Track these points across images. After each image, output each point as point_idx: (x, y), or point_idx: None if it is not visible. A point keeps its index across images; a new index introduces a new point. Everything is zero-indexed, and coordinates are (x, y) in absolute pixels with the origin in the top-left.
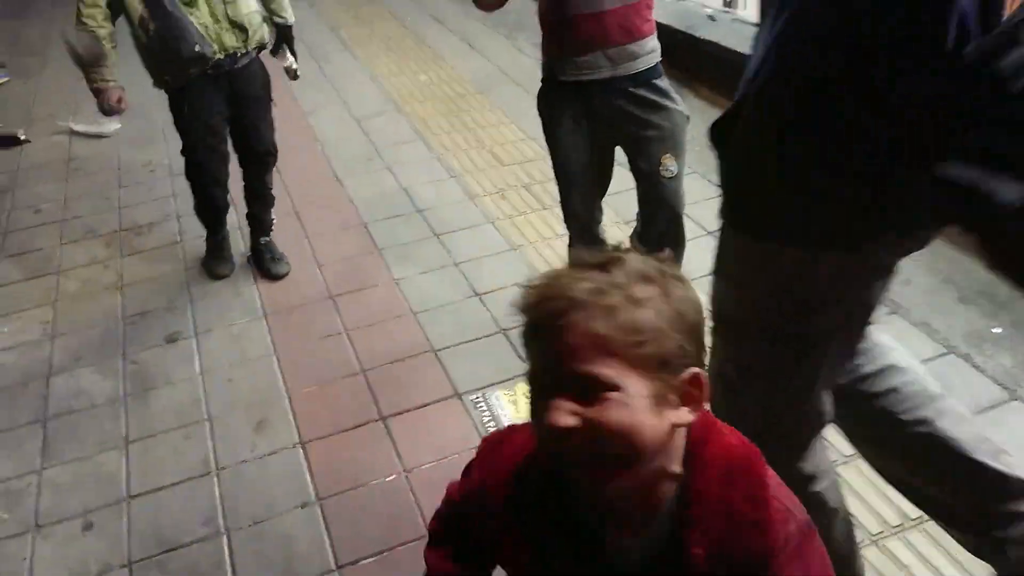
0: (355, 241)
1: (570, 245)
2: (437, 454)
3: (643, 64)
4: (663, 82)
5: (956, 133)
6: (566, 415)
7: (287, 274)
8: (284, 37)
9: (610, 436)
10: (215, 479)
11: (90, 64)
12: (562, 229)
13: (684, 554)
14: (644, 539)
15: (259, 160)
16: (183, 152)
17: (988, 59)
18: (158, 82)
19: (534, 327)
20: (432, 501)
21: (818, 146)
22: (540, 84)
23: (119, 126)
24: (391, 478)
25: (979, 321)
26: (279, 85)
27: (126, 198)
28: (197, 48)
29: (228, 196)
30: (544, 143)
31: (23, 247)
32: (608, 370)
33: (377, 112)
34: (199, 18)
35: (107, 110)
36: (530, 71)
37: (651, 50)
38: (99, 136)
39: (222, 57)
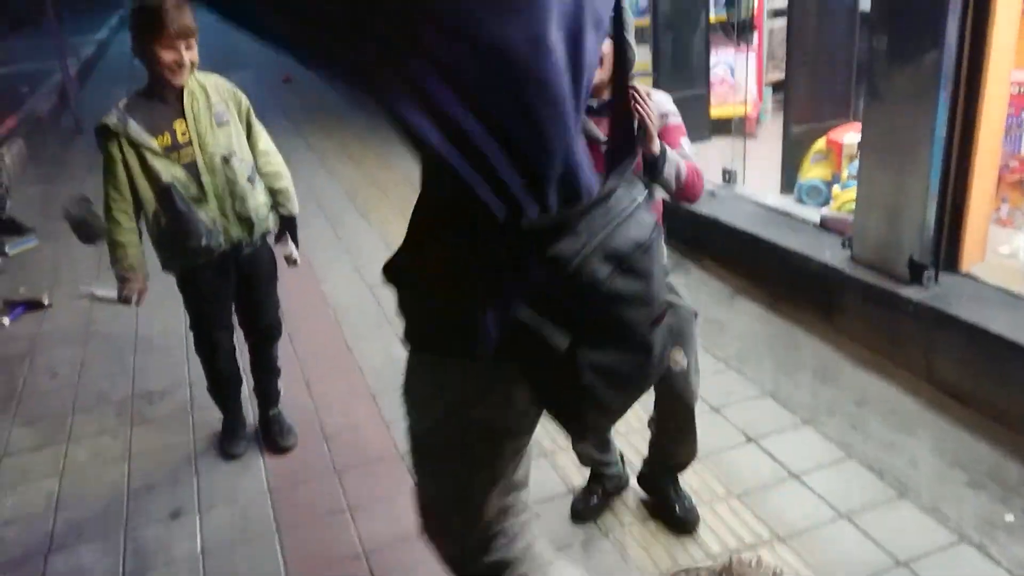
0: (363, 411)
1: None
2: None
3: None
4: (668, 278)
5: (520, 285)
6: None
7: (294, 446)
8: (287, 227)
9: None
10: None
11: (90, 237)
12: None
13: None
14: None
15: (264, 336)
16: (191, 327)
17: (543, 237)
18: (167, 268)
19: None
20: None
21: (436, 278)
22: None
23: None
24: None
25: (990, 507)
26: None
27: (141, 364)
28: (204, 242)
29: (239, 369)
30: None
31: (36, 414)
32: None
33: None
34: (208, 212)
35: (127, 298)
36: None
37: None
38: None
39: (227, 248)
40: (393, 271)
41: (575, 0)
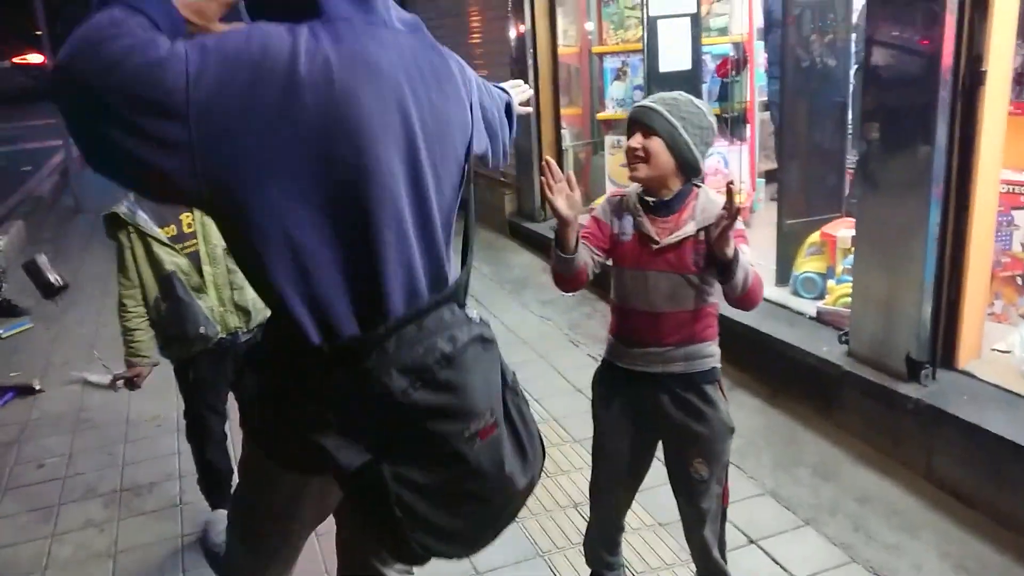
0: None
1: (588, 529)
2: None
3: (695, 368)
4: (713, 389)
5: (328, 404)
6: None
7: None
8: None
9: None
10: None
11: (48, 293)
12: (564, 500)
13: None
14: None
15: None
16: (185, 415)
17: (348, 356)
18: (164, 354)
19: None
20: None
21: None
22: (600, 361)
23: None
24: None
25: None
26: None
27: (131, 454)
28: (202, 329)
29: (231, 460)
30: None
31: (20, 506)
32: None
33: None
34: (207, 302)
35: (128, 385)
36: (537, 330)
37: (707, 355)
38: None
39: (225, 336)
40: (251, 360)
41: (409, 137)
